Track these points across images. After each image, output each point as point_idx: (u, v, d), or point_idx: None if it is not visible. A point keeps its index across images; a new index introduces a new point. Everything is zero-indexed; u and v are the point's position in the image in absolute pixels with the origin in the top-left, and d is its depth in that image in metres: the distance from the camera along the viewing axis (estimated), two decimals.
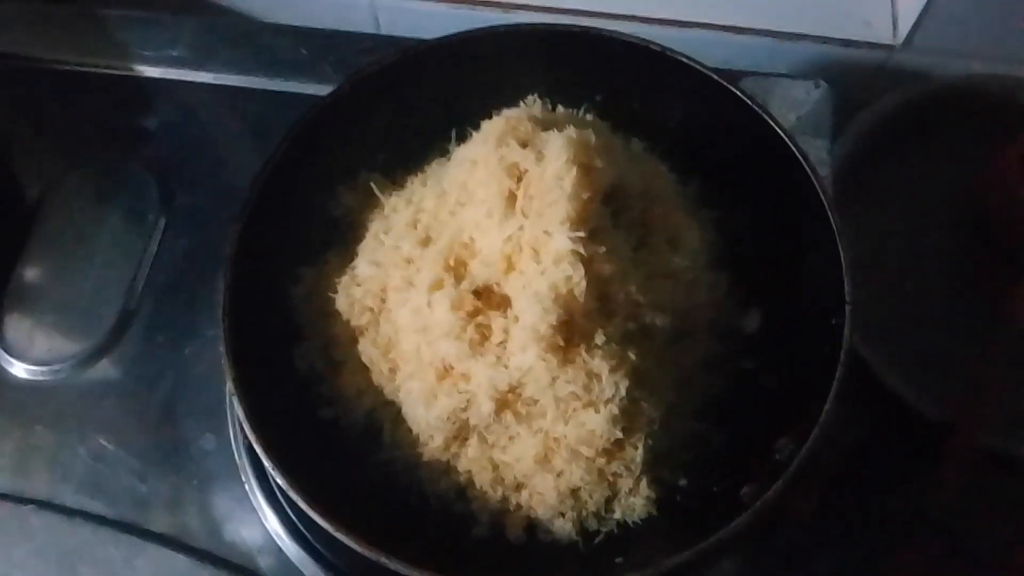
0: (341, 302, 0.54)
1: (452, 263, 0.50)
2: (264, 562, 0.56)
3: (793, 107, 0.69)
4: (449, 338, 0.48)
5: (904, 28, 0.73)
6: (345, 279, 0.54)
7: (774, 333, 0.55)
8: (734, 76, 0.70)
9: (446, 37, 0.60)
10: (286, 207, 0.56)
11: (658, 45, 0.58)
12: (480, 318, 0.48)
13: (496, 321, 0.48)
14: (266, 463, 0.47)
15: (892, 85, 0.74)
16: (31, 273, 0.66)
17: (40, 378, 0.63)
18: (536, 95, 0.59)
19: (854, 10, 0.74)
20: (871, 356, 0.62)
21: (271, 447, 0.48)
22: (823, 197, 0.52)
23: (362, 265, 0.54)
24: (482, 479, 0.51)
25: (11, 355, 0.63)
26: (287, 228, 0.56)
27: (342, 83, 0.59)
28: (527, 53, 0.61)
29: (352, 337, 0.53)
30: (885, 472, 0.61)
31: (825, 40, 0.74)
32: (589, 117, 0.57)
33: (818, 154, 0.67)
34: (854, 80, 0.75)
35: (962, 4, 0.70)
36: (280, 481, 0.47)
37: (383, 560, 0.44)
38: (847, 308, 0.49)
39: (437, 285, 0.49)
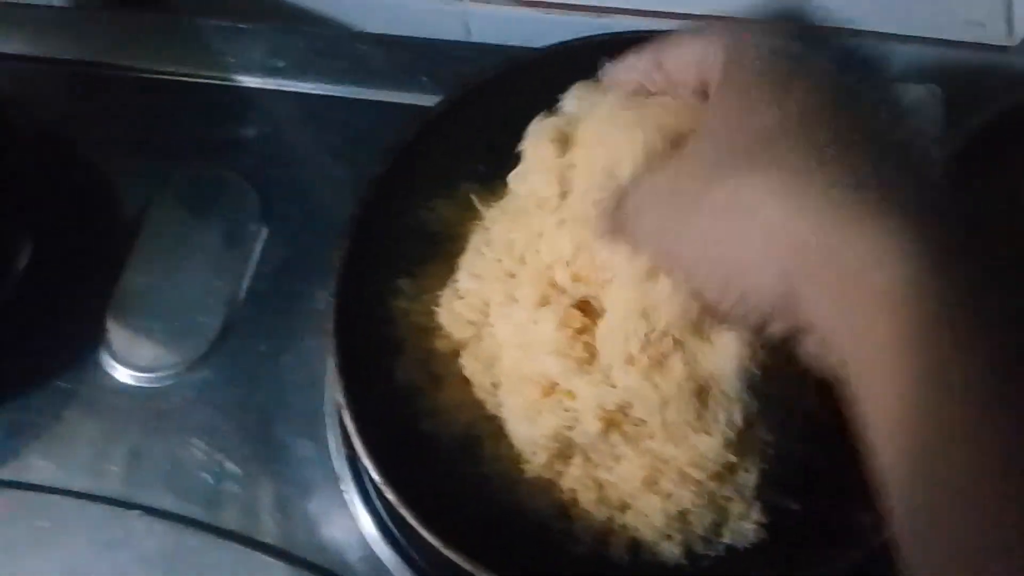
0: (443, 316, 0.53)
1: (555, 278, 0.49)
2: (361, 569, 0.56)
3: (910, 112, 0.67)
4: (555, 355, 0.47)
5: (1021, 29, 0.69)
6: (447, 293, 0.54)
7: None
8: None
9: (550, 47, 0.60)
10: (389, 219, 0.56)
11: None
12: (587, 336, 0.47)
13: (608, 341, 0.46)
14: (373, 473, 0.47)
15: (1005, 88, 0.71)
16: (136, 282, 0.68)
17: (145, 384, 0.64)
18: None
19: (966, 11, 0.71)
20: None
21: (375, 456, 0.48)
22: None
23: (464, 279, 0.53)
24: (586, 498, 0.50)
25: (117, 361, 0.65)
26: (389, 240, 0.56)
27: (449, 94, 0.58)
28: None
29: (453, 351, 0.53)
30: None
31: (936, 42, 0.71)
32: None
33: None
34: (965, 84, 0.72)
35: None
36: (386, 492, 0.47)
37: (482, 574, 0.44)
38: None
39: (543, 301, 0.48)
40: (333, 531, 0.58)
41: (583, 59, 0.59)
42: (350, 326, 0.51)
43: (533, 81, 0.59)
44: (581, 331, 0.47)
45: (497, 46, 0.79)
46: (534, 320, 0.48)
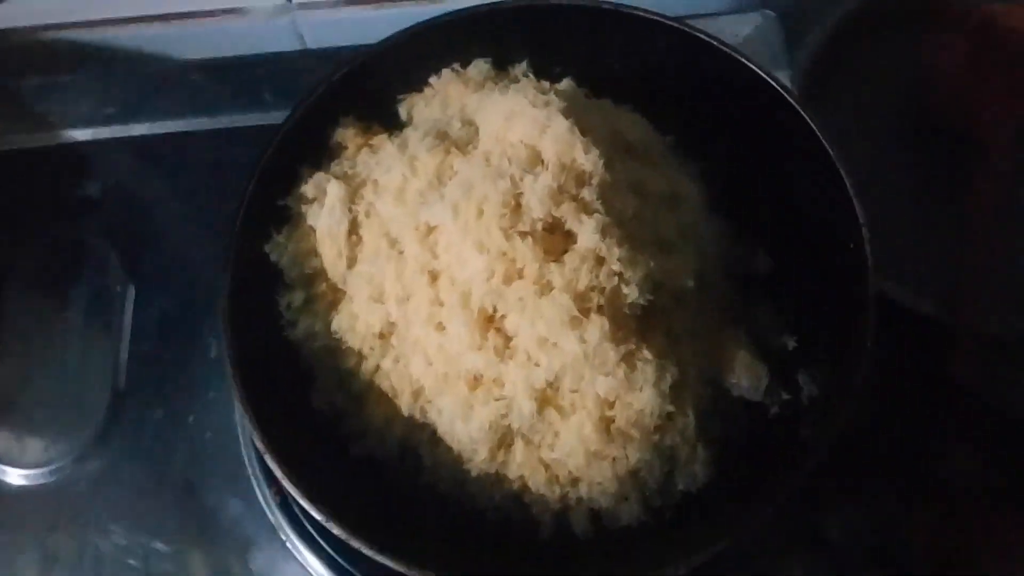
0: (345, 336, 0.51)
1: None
2: None
3: (743, 43, 0.69)
4: (471, 351, 0.46)
5: None
6: (343, 314, 0.51)
7: (787, 271, 0.54)
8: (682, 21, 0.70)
9: (392, 37, 0.58)
10: (262, 248, 0.53)
11: (609, 4, 0.56)
12: (497, 323, 0.46)
13: (514, 319, 0.46)
14: (314, 513, 0.45)
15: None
16: (5, 373, 0.62)
17: (41, 481, 0.59)
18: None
19: None
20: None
21: (311, 494, 0.45)
22: (814, 126, 0.51)
23: (357, 294, 0.51)
24: (536, 481, 0.49)
25: (3, 463, 0.59)
26: (269, 271, 0.53)
27: (294, 110, 0.56)
28: (476, 38, 0.59)
29: (367, 367, 0.51)
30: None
31: None
32: (562, 85, 0.55)
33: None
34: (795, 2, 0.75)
35: None
36: (333, 529, 0.44)
37: None
38: (863, 230, 0.48)
39: (439, 303, 0.47)
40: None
41: (429, 43, 0.59)
42: (252, 366, 0.48)
43: (383, 77, 0.58)
44: (490, 319, 0.46)
45: (334, 49, 0.77)
46: (438, 325, 0.47)
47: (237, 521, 0.57)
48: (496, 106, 0.51)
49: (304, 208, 0.54)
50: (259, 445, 0.46)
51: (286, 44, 0.78)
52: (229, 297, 0.49)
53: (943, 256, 0.65)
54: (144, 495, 0.58)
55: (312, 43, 0.79)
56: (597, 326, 0.45)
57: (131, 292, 0.64)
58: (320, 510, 0.45)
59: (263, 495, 0.57)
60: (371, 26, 0.75)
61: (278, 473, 0.46)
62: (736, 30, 0.69)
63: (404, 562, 0.43)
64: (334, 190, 0.52)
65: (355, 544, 0.44)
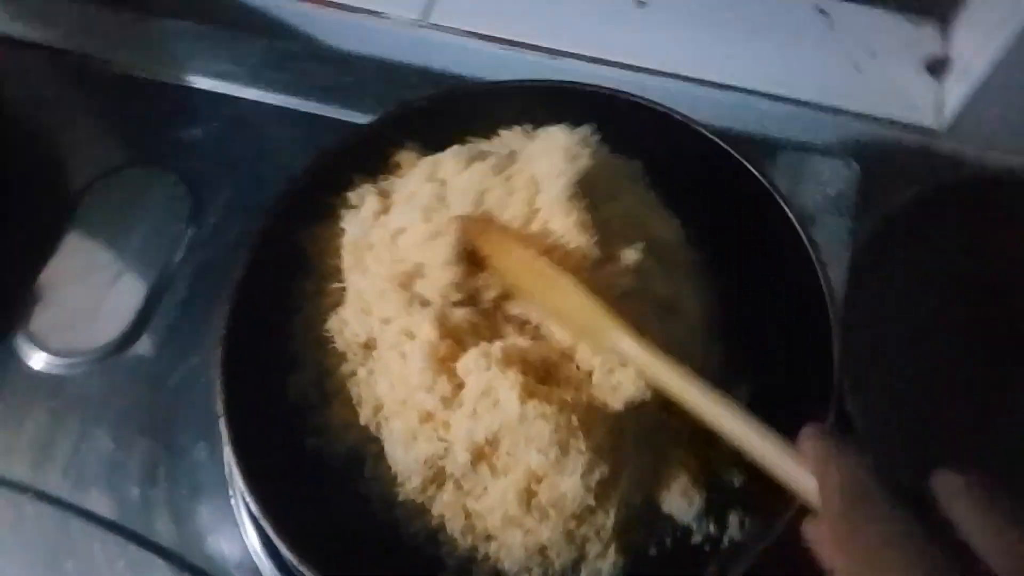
0: (335, 336, 0.55)
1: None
2: None
3: (821, 184, 0.69)
4: (421, 390, 0.49)
5: (949, 116, 0.72)
6: (339, 315, 0.55)
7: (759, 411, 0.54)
8: (767, 146, 0.71)
9: (498, 83, 0.62)
10: (298, 234, 0.57)
11: (680, 114, 0.58)
12: (452, 369, 0.49)
13: (466, 364, 0.48)
14: (240, 483, 0.48)
15: (930, 169, 0.73)
16: (63, 266, 0.69)
17: (56, 371, 0.65)
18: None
19: (899, 91, 0.73)
20: (862, 427, 0.61)
21: (251, 472, 0.49)
22: (824, 287, 0.52)
23: (351, 301, 0.55)
24: (454, 526, 0.51)
25: (34, 344, 0.66)
26: (297, 255, 0.57)
27: (373, 121, 0.60)
28: (554, 108, 0.62)
29: (345, 371, 0.54)
30: None
31: (865, 117, 0.73)
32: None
33: (839, 232, 0.66)
34: (891, 161, 0.74)
35: (1012, 98, 0.68)
36: (251, 504, 0.48)
37: None
38: (832, 390, 0.48)
39: (408, 335, 0.50)
40: (217, 536, 0.59)
41: (509, 100, 0.62)
42: (245, 338, 0.53)
43: (466, 112, 0.62)
44: (446, 361, 0.49)
45: (452, 75, 0.81)
46: (403, 354, 0.50)
47: (198, 465, 0.61)
48: (540, 140, 0.55)
49: (343, 212, 0.58)
50: (219, 409, 0.50)
51: (411, 57, 0.83)
52: (246, 269, 0.54)
53: (967, 455, 0.63)
54: (132, 413, 0.63)
55: (436, 64, 0.84)
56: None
57: (189, 235, 0.70)
58: (247, 482, 0.48)
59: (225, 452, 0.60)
60: (492, 63, 0.80)
61: (225, 439, 0.50)
62: (818, 169, 0.70)
63: (300, 556, 0.46)
64: (371, 203, 0.56)
65: (263, 522, 0.47)
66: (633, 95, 0.60)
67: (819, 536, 0.37)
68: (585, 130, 0.55)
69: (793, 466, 0.40)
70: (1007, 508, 0.33)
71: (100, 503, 0.60)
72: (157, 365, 0.65)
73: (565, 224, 0.50)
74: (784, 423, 0.52)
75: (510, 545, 0.50)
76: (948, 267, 0.71)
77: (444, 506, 0.51)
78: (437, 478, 0.51)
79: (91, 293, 0.68)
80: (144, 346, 0.66)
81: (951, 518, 0.34)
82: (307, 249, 0.58)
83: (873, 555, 0.34)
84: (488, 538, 0.51)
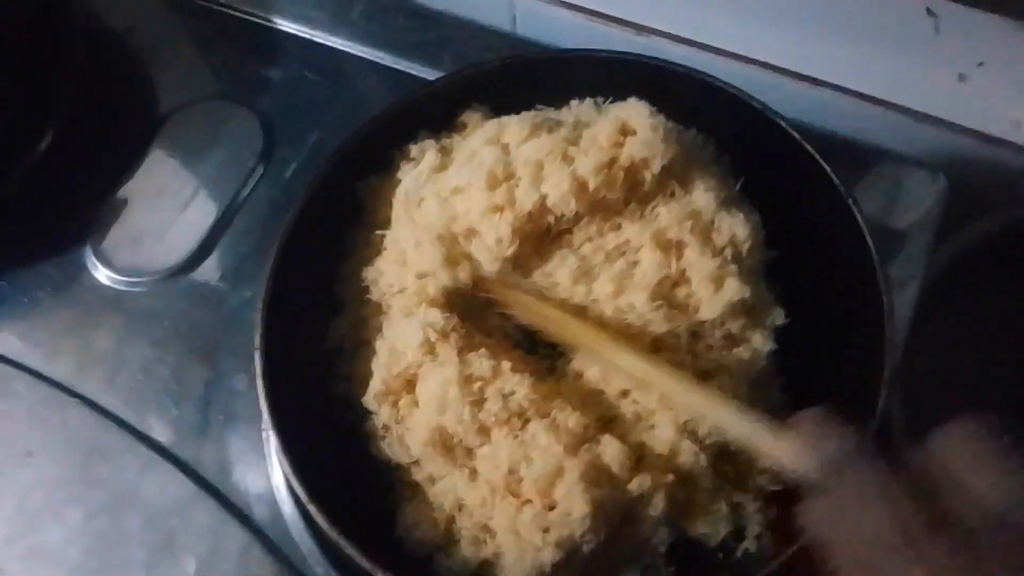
0: (371, 285, 0.55)
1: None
2: (259, 511, 0.59)
3: (904, 196, 0.65)
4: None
5: None
6: (375, 264, 0.56)
7: None
8: (853, 148, 0.68)
9: (551, 51, 0.61)
10: (355, 183, 0.58)
11: (758, 101, 0.56)
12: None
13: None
14: (267, 420, 0.49)
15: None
16: (137, 188, 0.71)
17: (119, 287, 0.68)
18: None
19: (1004, 107, 0.68)
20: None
21: (277, 408, 0.50)
22: (885, 305, 0.49)
23: (385, 255, 0.56)
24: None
25: (101, 258, 0.69)
26: (353, 203, 0.58)
27: (442, 79, 0.60)
28: (627, 82, 0.60)
29: (377, 322, 0.55)
30: None
31: (965, 131, 0.69)
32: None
33: (917, 250, 0.63)
34: (985, 179, 0.70)
35: None
36: (274, 442, 0.49)
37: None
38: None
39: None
40: (244, 466, 0.60)
41: (584, 71, 0.61)
42: (292, 278, 0.53)
43: (538, 78, 0.60)
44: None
45: (537, 42, 0.80)
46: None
47: (236, 394, 0.63)
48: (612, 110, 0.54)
49: (402, 164, 0.58)
50: (257, 361, 0.51)
51: (497, 20, 0.82)
52: (299, 211, 0.54)
53: None
54: (183, 337, 0.65)
55: (521, 29, 0.83)
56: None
57: (259, 171, 0.71)
58: (281, 439, 0.49)
59: None
60: (578, 33, 0.79)
61: (261, 390, 0.51)
62: (903, 180, 0.66)
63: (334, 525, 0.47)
64: (430, 158, 0.56)
65: (292, 481, 0.48)
66: (710, 76, 0.58)
67: (811, 516, 0.36)
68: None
69: (787, 445, 0.39)
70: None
71: (138, 416, 0.63)
72: (214, 292, 0.67)
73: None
74: None
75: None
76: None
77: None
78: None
79: (160, 216, 0.70)
80: (204, 272, 0.68)
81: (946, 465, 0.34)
82: (363, 198, 0.58)
83: (854, 521, 0.34)
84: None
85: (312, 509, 0.47)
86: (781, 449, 0.40)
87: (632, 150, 0.50)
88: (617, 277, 0.50)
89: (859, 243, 0.53)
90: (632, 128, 0.51)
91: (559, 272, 0.51)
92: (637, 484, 0.46)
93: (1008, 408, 0.62)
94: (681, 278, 0.50)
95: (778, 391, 0.52)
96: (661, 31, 0.76)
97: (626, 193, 0.52)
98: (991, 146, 0.69)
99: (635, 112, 0.52)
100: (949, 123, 0.68)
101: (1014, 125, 0.68)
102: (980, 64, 0.68)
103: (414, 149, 0.58)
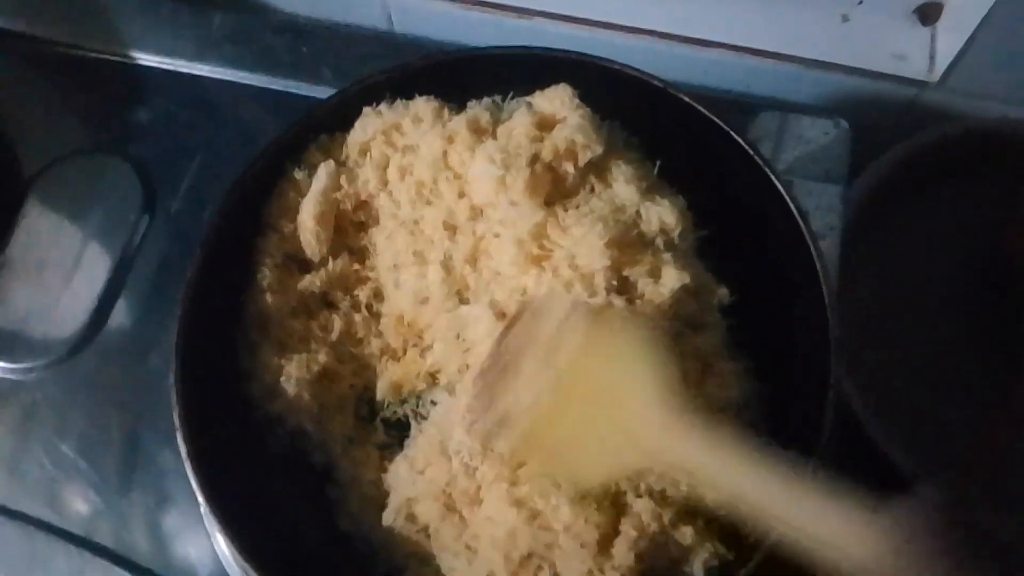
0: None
1: None
2: None
3: (807, 146, 0.65)
4: None
5: (941, 65, 0.68)
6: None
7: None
8: (750, 107, 0.67)
9: (446, 54, 0.58)
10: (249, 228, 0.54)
11: (660, 80, 0.54)
12: None
13: None
14: (202, 502, 0.45)
15: (920, 124, 0.70)
16: (12, 263, 0.65)
17: (12, 377, 0.62)
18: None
19: (888, 42, 0.69)
20: (861, 406, 0.59)
21: (212, 487, 0.46)
22: (817, 262, 0.49)
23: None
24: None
25: None
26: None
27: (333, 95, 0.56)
28: (525, 77, 0.58)
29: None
30: None
31: (853, 71, 0.69)
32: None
33: (830, 199, 0.63)
34: (880, 116, 0.71)
35: (1007, 44, 0.65)
36: (214, 524, 0.45)
37: None
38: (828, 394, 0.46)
39: None
40: (186, 547, 0.56)
41: (479, 70, 0.58)
42: (203, 339, 0.50)
43: (421, 88, 0.57)
44: None
45: (415, 39, 0.77)
46: None
47: (165, 473, 0.58)
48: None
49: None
50: (181, 444, 0.47)
51: (372, 20, 0.78)
52: (198, 276, 0.50)
53: (959, 426, 0.61)
54: (92, 421, 0.60)
55: (399, 27, 0.79)
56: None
57: (143, 225, 0.66)
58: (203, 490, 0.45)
59: None
60: (458, 24, 0.76)
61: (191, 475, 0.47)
62: (805, 130, 0.66)
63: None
64: (322, 176, 0.52)
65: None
66: (607, 60, 0.56)
67: None
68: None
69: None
70: None
71: (63, 518, 0.58)
72: (116, 368, 0.62)
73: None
74: (782, 402, 0.50)
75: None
76: (947, 228, 0.68)
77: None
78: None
79: (44, 292, 0.64)
80: (103, 345, 0.63)
81: None
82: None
83: None
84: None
85: None
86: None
87: (558, 142, 0.48)
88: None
89: (781, 205, 0.52)
90: (556, 119, 0.48)
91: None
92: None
93: (944, 348, 0.64)
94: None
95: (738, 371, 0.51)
96: (541, 11, 0.74)
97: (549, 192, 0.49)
98: (881, 82, 0.69)
99: (559, 101, 0.50)
100: (839, 65, 0.69)
101: (899, 59, 0.69)
102: (859, 2, 0.69)
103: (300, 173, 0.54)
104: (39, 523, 0.57)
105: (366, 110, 0.54)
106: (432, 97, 0.54)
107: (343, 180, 0.52)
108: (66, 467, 0.59)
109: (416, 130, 0.52)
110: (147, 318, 0.63)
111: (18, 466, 0.59)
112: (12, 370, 0.62)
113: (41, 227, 0.66)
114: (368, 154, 0.52)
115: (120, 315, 0.63)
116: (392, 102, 0.55)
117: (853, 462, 0.59)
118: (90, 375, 0.62)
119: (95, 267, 0.64)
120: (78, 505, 0.58)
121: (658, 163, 0.54)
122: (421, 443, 0.49)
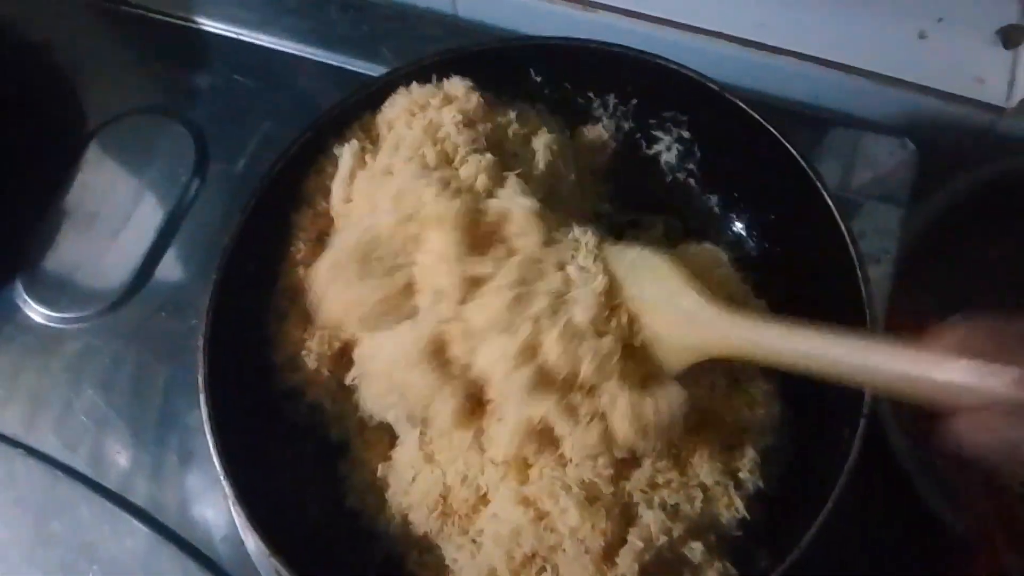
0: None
1: None
2: (223, 550, 0.56)
3: (872, 164, 0.63)
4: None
5: (1020, 92, 0.65)
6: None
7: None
8: (819, 121, 0.65)
9: (500, 40, 0.58)
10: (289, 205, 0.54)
11: (716, 84, 0.53)
12: None
13: None
14: (219, 468, 0.46)
15: (992, 153, 0.66)
16: (66, 215, 0.67)
17: (57, 326, 0.63)
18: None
19: (966, 63, 0.66)
20: (906, 460, 0.57)
21: (229, 454, 0.46)
22: (863, 286, 0.47)
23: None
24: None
25: (31, 298, 0.64)
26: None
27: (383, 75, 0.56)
28: (580, 70, 0.57)
29: None
30: None
31: (927, 90, 0.67)
32: None
33: (887, 222, 0.61)
34: (951, 140, 0.68)
35: None
36: (228, 491, 0.45)
37: None
38: (862, 420, 0.44)
39: None
40: (203, 507, 0.57)
41: (533, 59, 0.57)
42: (230, 307, 0.50)
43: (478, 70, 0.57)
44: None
45: (480, 24, 0.76)
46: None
47: (190, 432, 0.59)
48: None
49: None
50: (200, 382, 0.47)
51: (437, 4, 0.78)
52: (234, 246, 0.50)
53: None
54: (128, 376, 0.61)
55: (463, 11, 0.79)
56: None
57: (194, 187, 0.67)
58: (226, 468, 0.46)
59: None
60: (523, 12, 0.75)
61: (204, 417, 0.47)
62: (871, 148, 0.64)
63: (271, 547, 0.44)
64: (347, 159, 0.52)
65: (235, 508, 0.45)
66: (664, 59, 0.54)
67: (975, 425, 0.34)
68: None
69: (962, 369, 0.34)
70: None
71: (89, 464, 0.59)
72: (157, 324, 0.63)
73: None
74: (811, 429, 0.49)
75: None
76: (1006, 266, 0.65)
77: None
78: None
79: (94, 244, 0.65)
80: (144, 302, 0.64)
81: None
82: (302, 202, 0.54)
83: None
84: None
85: (277, 563, 0.44)
86: (960, 374, 0.34)
87: None
88: None
89: (828, 219, 0.50)
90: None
91: None
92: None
93: None
94: None
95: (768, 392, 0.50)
96: (608, 5, 0.72)
97: None
98: (955, 104, 0.66)
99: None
100: (912, 84, 0.66)
101: (977, 81, 0.66)
102: (940, 20, 0.66)
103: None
104: (63, 467, 0.59)
105: (400, 89, 0.54)
106: (467, 79, 0.53)
107: (367, 158, 0.51)
108: (100, 419, 0.60)
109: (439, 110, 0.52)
110: (190, 278, 0.64)
111: (50, 411, 0.61)
112: (59, 319, 0.63)
113: (97, 181, 0.68)
114: (393, 131, 0.52)
115: (165, 272, 0.64)
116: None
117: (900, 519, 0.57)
118: (132, 329, 0.63)
119: (144, 224, 0.66)
120: (108, 456, 0.59)
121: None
122: (408, 447, 0.49)
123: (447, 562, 0.47)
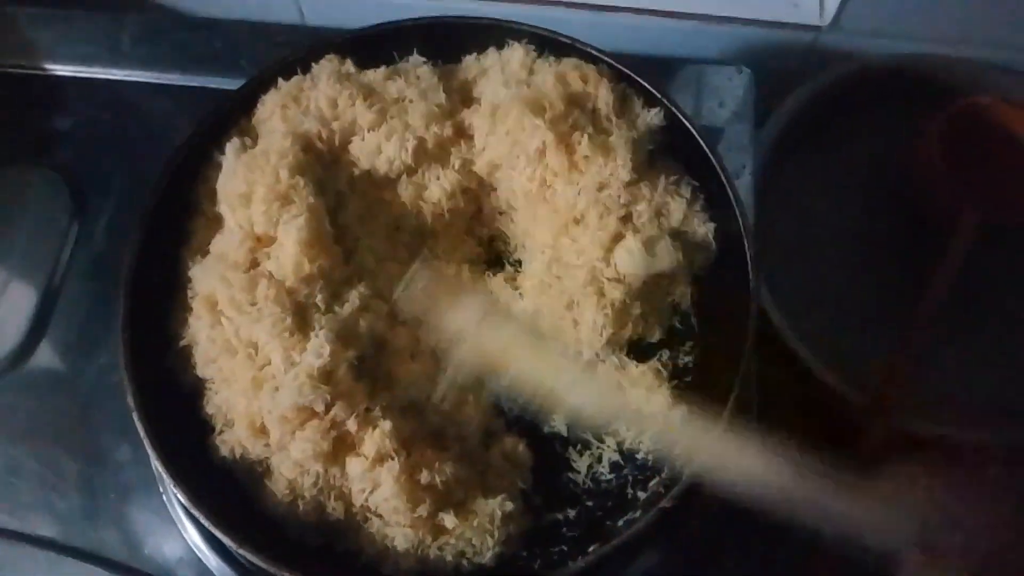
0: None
1: None
2: (183, 574, 0.55)
3: (717, 94, 0.69)
4: None
5: (831, 9, 0.72)
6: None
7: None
8: (664, 64, 0.71)
9: (351, 31, 0.59)
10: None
11: (567, 37, 0.57)
12: None
13: None
14: (168, 481, 0.46)
15: (819, 67, 0.74)
16: None
17: None
18: None
19: None
20: (798, 345, 0.63)
21: (175, 465, 0.47)
22: (731, 195, 0.52)
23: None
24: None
25: None
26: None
27: (247, 82, 0.57)
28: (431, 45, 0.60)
29: None
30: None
31: (751, 22, 0.73)
32: None
33: (740, 140, 0.67)
34: (782, 62, 0.75)
35: None
36: (182, 499, 0.46)
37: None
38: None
39: None
40: (156, 538, 0.57)
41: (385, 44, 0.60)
42: (146, 325, 0.50)
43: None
44: None
45: (327, 29, 0.78)
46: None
47: (122, 466, 0.58)
48: None
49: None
50: (138, 424, 0.48)
51: (284, 15, 0.79)
52: (135, 258, 0.51)
53: (881, 344, 0.65)
54: (43, 423, 0.60)
55: (311, 19, 0.80)
56: None
57: (75, 230, 0.66)
58: (169, 471, 0.46)
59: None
60: (370, 10, 0.77)
61: (142, 433, 0.47)
62: (713, 80, 0.70)
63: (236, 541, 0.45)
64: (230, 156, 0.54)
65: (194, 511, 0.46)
66: (520, 24, 0.58)
67: None
68: None
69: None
70: None
71: (24, 521, 0.57)
72: (62, 371, 0.62)
73: None
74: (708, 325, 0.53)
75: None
76: (854, 159, 0.73)
77: None
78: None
79: None
80: (44, 353, 0.62)
81: None
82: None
83: None
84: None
85: (245, 553, 0.44)
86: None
87: None
88: None
89: (696, 146, 0.55)
90: None
91: None
92: None
93: (856, 267, 0.69)
94: None
95: None
96: None
97: None
98: (777, 30, 0.73)
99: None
100: (738, 19, 0.72)
101: (792, 6, 0.73)
102: None
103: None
104: (8, 532, 0.57)
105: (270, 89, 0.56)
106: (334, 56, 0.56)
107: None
108: (22, 472, 0.58)
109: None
110: (88, 321, 0.63)
111: None
112: None
113: None
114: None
115: (60, 320, 0.63)
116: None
117: (788, 389, 0.63)
118: (37, 383, 0.61)
119: (29, 276, 0.64)
120: (39, 508, 0.57)
121: None
122: None
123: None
